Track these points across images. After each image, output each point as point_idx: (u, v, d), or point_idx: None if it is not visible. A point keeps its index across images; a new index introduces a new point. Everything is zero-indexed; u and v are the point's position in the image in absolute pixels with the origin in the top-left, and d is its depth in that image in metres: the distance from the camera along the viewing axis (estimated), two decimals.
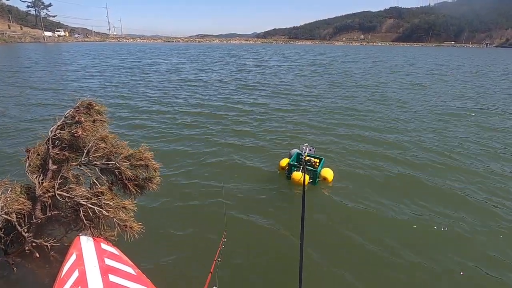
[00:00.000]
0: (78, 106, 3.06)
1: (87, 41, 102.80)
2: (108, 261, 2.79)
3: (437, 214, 4.90)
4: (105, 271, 2.63)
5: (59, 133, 2.94)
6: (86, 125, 2.92)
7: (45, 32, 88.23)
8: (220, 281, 2.61)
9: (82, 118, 2.90)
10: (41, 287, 3.28)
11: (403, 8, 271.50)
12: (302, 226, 3.15)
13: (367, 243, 4.16)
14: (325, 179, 5.72)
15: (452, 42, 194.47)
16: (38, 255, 3.37)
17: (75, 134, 2.84)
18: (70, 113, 3.02)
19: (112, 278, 2.59)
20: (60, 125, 3.01)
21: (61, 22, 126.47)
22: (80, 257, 2.75)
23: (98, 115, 3.06)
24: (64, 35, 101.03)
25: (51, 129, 2.99)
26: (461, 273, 3.67)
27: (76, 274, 2.57)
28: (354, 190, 5.59)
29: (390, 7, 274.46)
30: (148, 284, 2.74)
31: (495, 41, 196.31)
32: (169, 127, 9.07)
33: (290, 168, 5.78)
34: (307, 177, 5.38)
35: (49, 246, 3.37)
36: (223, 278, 2.92)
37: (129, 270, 2.81)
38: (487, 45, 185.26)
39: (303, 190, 4.03)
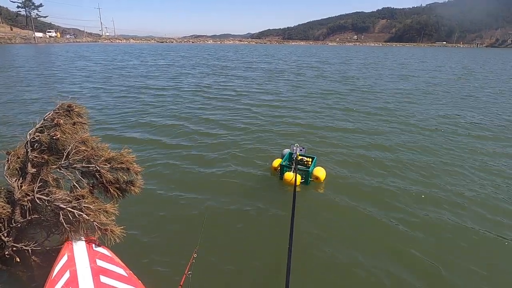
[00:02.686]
0: (58, 109, 3.02)
1: (79, 42, 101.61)
2: (100, 262, 2.79)
3: (430, 212, 4.95)
4: (97, 272, 2.64)
5: (38, 136, 2.90)
6: (66, 128, 2.89)
7: (35, 33, 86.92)
8: None
9: (61, 121, 2.86)
10: None
11: (396, 8, 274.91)
12: (291, 226, 3.17)
13: (360, 243, 4.18)
14: (317, 178, 5.74)
15: (444, 42, 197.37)
16: (18, 260, 3.32)
17: (54, 137, 2.81)
18: (49, 115, 2.99)
19: (103, 279, 2.60)
20: (39, 127, 2.97)
21: (53, 23, 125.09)
22: (71, 258, 2.76)
23: (78, 118, 3.03)
24: (55, 36, 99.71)
25: (30, 131, 2.95)
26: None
27: (67, 275, 2.57)
28: (347, 189, 5.63)
29: (383, 7, 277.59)
30: (139, 286, 2.74)
31: (485, 41, 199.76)
32: (148, 133, 8.99)
33: (282, 168, 5.80)
34: (299, 177, 5.40)
35: (30, 250, 3.33)
36: None
37: (121, 271, 2.81)
38: (477, 45, 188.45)
39: (294, 190, 4.07)
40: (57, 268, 2.64)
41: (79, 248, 2.90)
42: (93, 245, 3.01)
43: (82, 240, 3.00)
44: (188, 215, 4.72)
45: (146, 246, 3.98)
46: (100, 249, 3.00)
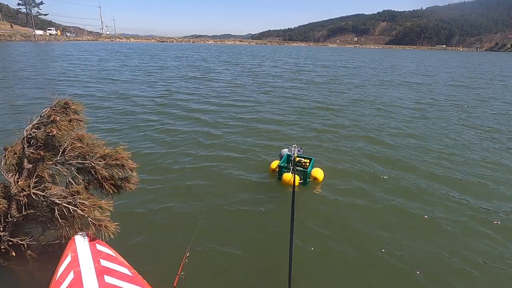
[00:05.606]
0: (54, 105, 3.07)
1: (79, 40, 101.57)
2: (104, 262, 2.78)
3: (428, 212, 5.02)
4: (101, 272, 2.63)
5: (34, 132, 2.95)
6: (62, 125, 2.94)
7: (36, 31, 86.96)
8: None
9: (58, 117, 2.91)
10: (16, 285, 3.28)
11: (396, 11, 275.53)
12: (291, 227, 3.19)
13: (358, 242, 4.22)
14: (315, 179, 5.80)
15: (444, 46, 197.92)
16: (14, 254, 3.37)
17: (50, 133, 2.86)
18: (46, 112, 3.04)
19: (108, 279, 2.59)
20: (36, 124, 3.02)
21: (53, 21, 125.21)
22: (75, 258, 2.75)
23: (75, 115, 3.08)
24: (56, 34, 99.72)
25: (27, 128, 3.00)
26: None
27: (71, 275, 2.56)
28: (345, 189, 5.69)
29: (383, 10, 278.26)
30: (144, 285, 2.74)
31: (485, 45, 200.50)
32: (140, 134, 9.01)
33: (281, 169, 5.84)
34: (297, 177, 5.44)
35: (25, 245, 3.38)
36: None
37: (125, 271, 2.80)
38: (477, 49, 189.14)
39: (293, 191, 4.12)
40: (61, 269, 2.63)
41: (83, 248, 2.89)
42: (97, 244, 3.00)
43: (86, 240, 3.00)
44: (184, 215, 4.73)
45: (141, 244, 3.99)
46: (104, 249, 2.99)
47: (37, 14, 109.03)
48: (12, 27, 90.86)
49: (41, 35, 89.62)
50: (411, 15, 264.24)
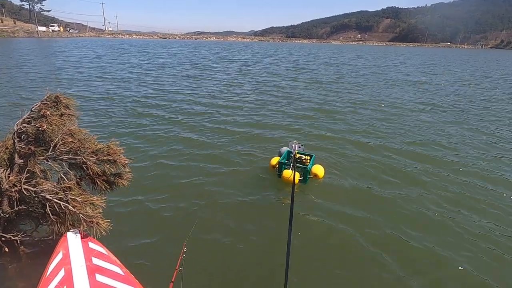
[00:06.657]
0: (45, 99, 3.02)
1: (82, 36, 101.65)
2: (96, 261, 2.73)
3: (429, 210, 4.96)
4: (92, 270, 2.58)
5: (25, 126, 2.90)
6: (53, 119, 2.89)
7: (39, 27, 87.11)
8: None
9: (48, 112, 2.86)
10: (9, 281, 3.26)
11: (400, 8, 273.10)
12: (290, 223, 3.14)
13: (358, 240, 4.16)
14: (316, 175, 5.73)
15: (448, 43, 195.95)
16: (7, 250, 3.34)
17: (40, 128, 2.81)
18: (36, 106, 2.99)
19: (99, 278, 2.54)
20: (26, 118, 2.97)
21: (56, 17, 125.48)
22: (66, 255, 2.70)
23: (66, 109, 3.03)
24: (58, 30, 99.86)
25: (17, 122, 2.96)
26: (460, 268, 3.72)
27: (62, 273, 2.51)
28: (345, 186, 5.63)
29: (387, 7, 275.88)
30: (136, 285, 2.69)
31: (490, 42, 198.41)
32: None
33: (281, 166, 5.78)
34: (297, 174, 5.37)
35: (18, 240, 3.35)
36: None
37: (117, 270, 2.75)
38: (482, 46, 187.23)
39: (292, 187, 4.08)
40: (51, 266, 2.58)
41: (75, 245, 2.84)
42: (89, 242, 2.94)
43: (78, 237, 2.95)
44: (180, 213, 4.69)
45: (138, 242, 3.95)
46: (96, 247, 2.94)
47: (40, 10, 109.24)
48: (15, 23, 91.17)
49: (44, 31, 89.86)
50: (415, 12, 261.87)
